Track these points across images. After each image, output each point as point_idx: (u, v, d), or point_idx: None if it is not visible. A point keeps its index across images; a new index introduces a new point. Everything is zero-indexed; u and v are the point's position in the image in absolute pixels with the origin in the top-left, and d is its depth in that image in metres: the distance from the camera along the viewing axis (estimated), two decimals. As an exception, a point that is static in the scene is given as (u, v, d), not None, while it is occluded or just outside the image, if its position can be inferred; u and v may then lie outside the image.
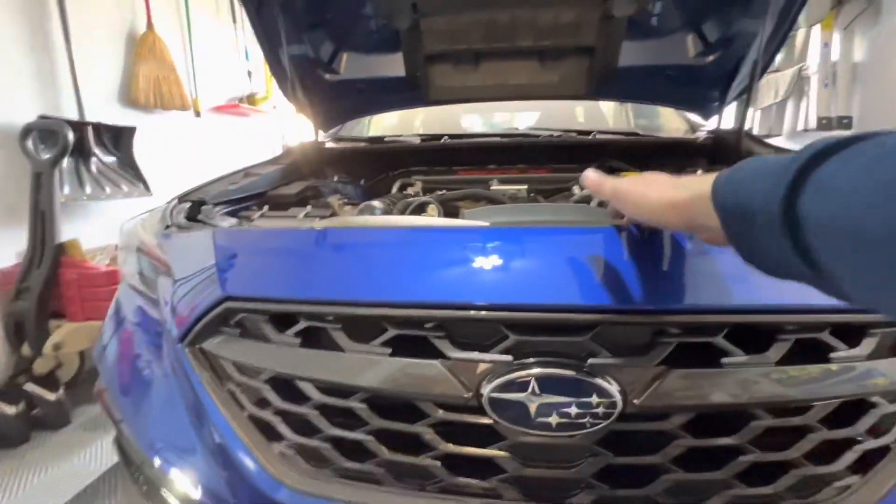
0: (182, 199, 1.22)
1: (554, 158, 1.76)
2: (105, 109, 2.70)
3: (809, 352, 0.60)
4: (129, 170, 2.66)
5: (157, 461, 0.78)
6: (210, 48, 3.71)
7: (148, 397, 0.86)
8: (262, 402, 0.71)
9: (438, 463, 0.63)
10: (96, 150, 2.47)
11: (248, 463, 0.69)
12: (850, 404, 0.59)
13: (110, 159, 2.58)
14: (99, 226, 2.58)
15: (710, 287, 0.61)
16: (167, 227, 1.04)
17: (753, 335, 0.60)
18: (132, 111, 2.92)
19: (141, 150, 2.77)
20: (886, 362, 0.59)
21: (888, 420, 0.60)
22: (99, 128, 2.50)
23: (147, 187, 2.70)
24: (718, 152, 1.67)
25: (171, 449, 0.78)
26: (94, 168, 2.43)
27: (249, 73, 4.04)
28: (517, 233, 0.71)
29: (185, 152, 3.40)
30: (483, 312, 0.62)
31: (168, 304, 0.84)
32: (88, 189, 2.35)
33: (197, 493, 0.74)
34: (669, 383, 0.57)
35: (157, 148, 3.08)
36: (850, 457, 0.59)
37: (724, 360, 0.58)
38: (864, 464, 0.60)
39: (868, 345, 0.59)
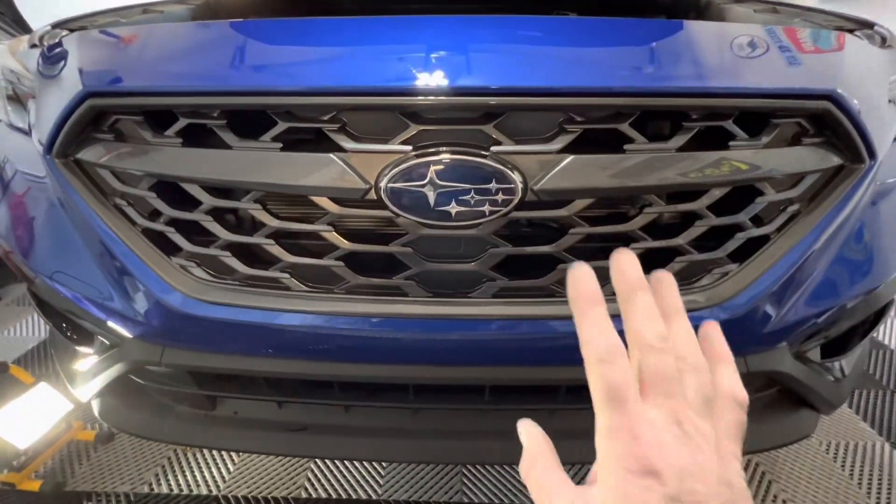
0: (57, 25, 1.02)
1: None
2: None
3: (711, 143, 0.59)
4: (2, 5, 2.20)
5: (61, 289, 0.75)
6: None
7: (40, 227, 0.79)
8: (154, 214, 0.67)
9: (342, 263, 0.63)
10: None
11: (147, 277, 0.67)
12: (740, 191, 0.61)
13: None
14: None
15: (619, 69, 0.57)
16: (32, 45, 0.87)
17: (660, 125, 0.59)
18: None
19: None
20: (780, 151, 0.60)
21: (772, 209, 0.63)
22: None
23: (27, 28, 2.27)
24: (678, 5, 1.54)
25: (71, 275, 0.74)
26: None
27: None
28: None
29: None
30: (379, 98, 0.56)
31: (35, 119, 0.73)
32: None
33: (103, 316, 0.73)
34: (569, 168, 0.56)
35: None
36: (732, 244, 0.63)
37: (627, 146, 0.57)
38: (745, 252, 0.64)
39: (767, 134, 0.59)
